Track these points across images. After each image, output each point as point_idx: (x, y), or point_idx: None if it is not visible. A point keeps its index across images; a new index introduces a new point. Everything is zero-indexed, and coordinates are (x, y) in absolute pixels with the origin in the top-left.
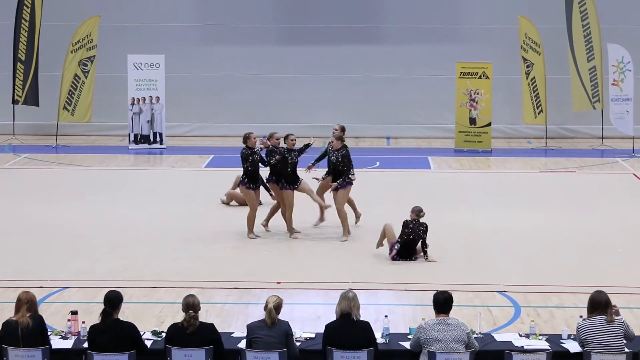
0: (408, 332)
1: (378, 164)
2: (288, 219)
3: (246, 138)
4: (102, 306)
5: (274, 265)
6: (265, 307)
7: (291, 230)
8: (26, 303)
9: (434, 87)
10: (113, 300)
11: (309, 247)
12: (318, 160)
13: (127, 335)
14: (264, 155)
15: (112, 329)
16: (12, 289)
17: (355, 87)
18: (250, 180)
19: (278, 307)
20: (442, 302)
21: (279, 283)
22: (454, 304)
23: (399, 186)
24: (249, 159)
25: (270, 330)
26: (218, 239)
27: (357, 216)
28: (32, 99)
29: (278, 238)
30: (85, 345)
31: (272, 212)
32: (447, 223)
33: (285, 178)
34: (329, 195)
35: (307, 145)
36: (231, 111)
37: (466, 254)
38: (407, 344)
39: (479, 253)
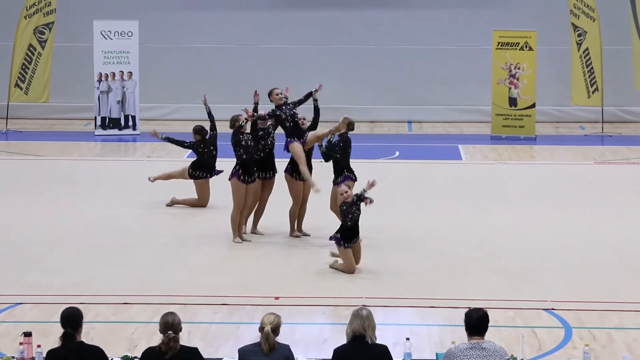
0: (434, 358)
1: (397, 153)
2: (293, 213)
3: (234, 122)
4: (60, 326)
5: (270, 276)
6: (261, 329)
7: (295, 229)
8: None
9: (466, 60)
10: (74, 319)
11: (312, 254)
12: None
13: None
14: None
15: (75, 354)
16: None
17: (369, 61)
18: (244, 171)
19: (276, 329)
20: (476, 322)
21: (277, 298)
22: (490, 324)
23: (422, 181)
24: (241, 143)
25: (268, 356)
26: (203, 244)
27: None
28: None
29: (274, 243)
30: None
31: (258, 215)
32: (481, 226)
33: (289, 133)
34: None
35: (309, 95)
36: (219, 90)
37: (504, 264)
38: None
39: (520, 262)
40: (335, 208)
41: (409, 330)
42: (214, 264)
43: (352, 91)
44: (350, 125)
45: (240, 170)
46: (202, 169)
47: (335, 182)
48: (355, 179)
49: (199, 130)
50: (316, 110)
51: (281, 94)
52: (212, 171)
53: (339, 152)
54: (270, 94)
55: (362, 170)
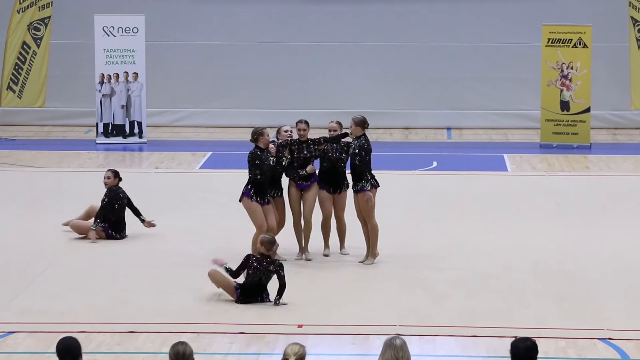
0: None
1: (435, 164)
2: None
3: (257, 135)
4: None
5: (292, 301)
6: None
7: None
8: None
9: (512, 59)
10: (71, 350)
11: (339, 277)
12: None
13: None
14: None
15: None
16: None
17: (404, 60)
18: (257, 192)
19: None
20: (523, 353)
21: (300, 326)
22: (539, 355)
23: (463, 196)
24: (258, 163)
25: None
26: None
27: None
28: None
29: (297, 265)
30: None
31: (342, 234)
32: (529, 245)
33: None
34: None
35: (344, 135)
36: (235, 93)
37: (556, 287)
38: None
39: (574, 286)
40: (360, 216)
41: None
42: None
43: (384, 94)
44: (363, 125)
45: (252, 190)
46: None
47: (355, 190)
48: (377, 185)
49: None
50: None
51: (290, 131)
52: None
53: (357, 159)
54: (278, 131)
55: (395, 183)
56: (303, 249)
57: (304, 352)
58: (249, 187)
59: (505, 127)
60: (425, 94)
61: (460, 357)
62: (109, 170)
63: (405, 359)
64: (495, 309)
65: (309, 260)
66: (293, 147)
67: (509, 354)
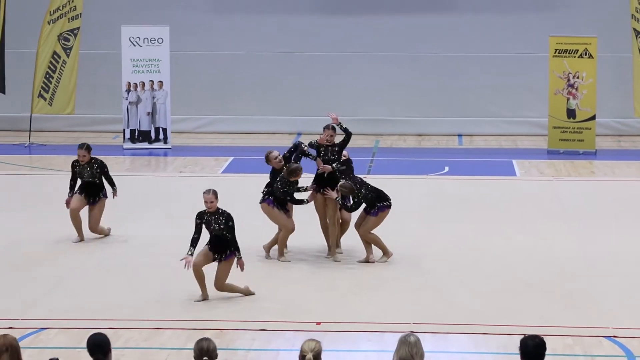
0: None
1: (447, 169)
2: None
3: (267, 159)
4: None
5: (311, 300)
6: (302, 357)
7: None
8: (6, 351)
9: (521, 68)
10: (102, 346)
11: (356, 277)
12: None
13: None
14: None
15: None
16: None
17: (417, 69)
18: (278, 202)
19: (318, 356)
20: (532, 350)
21: (318, 324)
22: (547, 352)
23: (473, 199)
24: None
25: None
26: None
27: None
28: None
29: (316, 264)
30: None
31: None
32: (537, 247)
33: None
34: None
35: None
36: (255, 100)
37: (563, 287)
38: None
39: (580, 286)
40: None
41: (460, 359)
42: (251, 287)
43: (398, 102)
44: (294, 173)
45: (272, 198)
46: None
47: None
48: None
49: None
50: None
51: (278, 157)
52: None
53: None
54: (268, 159)
55: (409, 187)
56: (332, 249)
57: (320, 348)
58: (267, 195)
59: (514, 134)
60: (438, 102)
61: (471, 353)
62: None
63: (419, 355)
64: (505, 307)
65: (337, 261)
66: (321, 149)
67: (518, 351)
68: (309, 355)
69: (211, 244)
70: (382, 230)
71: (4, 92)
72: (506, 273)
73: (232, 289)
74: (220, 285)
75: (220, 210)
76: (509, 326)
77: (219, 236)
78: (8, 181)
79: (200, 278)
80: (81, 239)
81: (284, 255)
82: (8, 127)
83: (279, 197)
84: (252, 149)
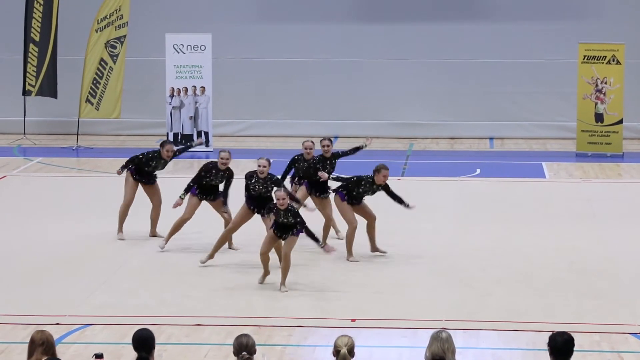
0: None
1: (479, 171)
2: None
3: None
4: (133, 349)
5: (347, 297)
6: (336, 353)
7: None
8: (41, 345)
9: (551, 74)
10: (148, 342)
11: (390, 274)
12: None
13: None
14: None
15: None
16: (22, 326)
17: (450, 75)
18: (349, 195)
19: (351, 350)
20: (561, 347)
21: (353, 320)
22: (575, 348)
23: (504, 200)
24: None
25: None
26: (278, 264)
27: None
28: (49, 89)
29: (351, 262)
30: None
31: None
32: (564, 246)
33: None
34: None
35: (357, 149)
36: (293, 105)
37: (592, 286)
38: None
39: (608, 284)
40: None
41: (490, 355)
42: (288, 284)
43: (431, 106)
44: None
45: (345, 192)
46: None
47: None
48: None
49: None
50: (357, 149)
51: (261, 165)
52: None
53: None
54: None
55: (441, 189)
56: (375, 247)
57: (353, 343)
58: (344, 191)
59: (543, 137)
60: (470, 107)
61: (502, 350)
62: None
63: (450, 351)
64: (534, 305)
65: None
66: (318, 166)
67: (547, 347)
68: (343, 350)
69: (277, 228)
70: (415, 230)
71: (55, 97)
72: (535, 271)
73: (287, 264)
74: (287, 252)
75: (289, 207)
76: (539, 323)
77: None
78: (56, 183)
79: (266, 262)
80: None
81: (352, 255)
82: (58, 131)
83: (349, 190)
84: (290, 151)
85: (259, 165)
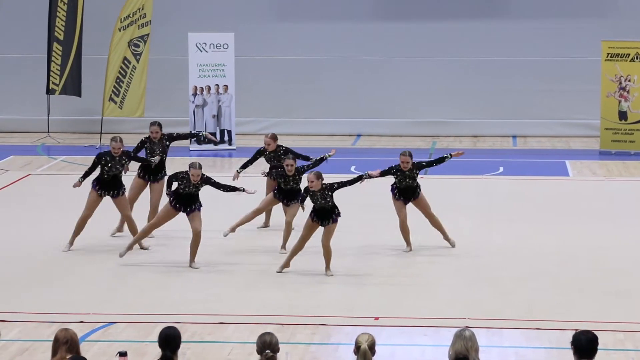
0: None
1: (501, 169)
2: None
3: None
4: (157, 346)
5: (370, 296)
6: (357, 349)
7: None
8: (65, 343)
9: (574, 72)
10: (174, 340)
11: (412, 273)
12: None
13: None
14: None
15: None
16: (47, 324)
17: (473, 73)
18: (399, 192)
19: (372, 346)
20: (585, 345)
21: (376, 319)
22: (599, 347)
23: (527, 198)
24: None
25: None
26: (300, 262)
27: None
28: (73, 87)
29: (376, 260)
30: None
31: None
32: (590, 245)
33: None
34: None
35: (321, 160)
36: (315, 103)
37: (615, 284)
38: None
39: (632, 283)
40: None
41: (514, 353)
42: (311, 282)
43: (455, 104)
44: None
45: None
46: None
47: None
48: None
49: None
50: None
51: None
52: None
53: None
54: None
55: (464, 187)
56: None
57: (374, 340)
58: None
59: (567, 135)
60: (493, 105)
61: (525, 348)
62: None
63: (474, 349)
64: (557, 303)
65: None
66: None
67: (570, 346)
68: (364, 345)
69: (316, 214)
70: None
71: (79, 95)
72: (559, 269)
73: (328, 253)
74: (326, 243)
75: (323, 185)
76: (562, 321)
77: (323, 207)
78: None
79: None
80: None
81: (408, 244)
82: (81, 130)
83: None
84: (313, 150)
85: (287, 165)
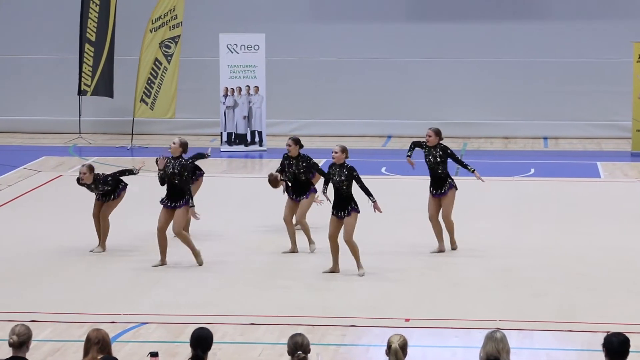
0: None
1: (533, 170)
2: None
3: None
4: (187, 347)
5: (400, 297)
6: (389, 349)
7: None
8: (97, 343)
9: (605, 73)
10: (207, 341)
11: (443, 275)
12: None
13: None
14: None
15: None
16: (78, 324)
17: (504, 74)
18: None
19: (404, 346)
20: (617, 348)
21: (407, 320)
22: (631, 349)
23: (559, 200)
24: None
25: None
26: (329, 264)
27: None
28: (105, 89)
29: (406, 261)
30: None
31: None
32: (619, 246)
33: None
34: None
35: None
36: (346, 104)
37: None
38: None
39: None
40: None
41: (545, 355)
42: (342, 284)
43: (486, 106)
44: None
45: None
46: None
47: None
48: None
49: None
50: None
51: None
52: None
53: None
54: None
55: (496, 188)
56: (441, 244)
57: (406, 341)
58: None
59: (598, 136)
60: (524, 106)
61: (556, 350)
62: (83, 166)
63: (505, 351)
64: (589, 305)
65: (442, 251)
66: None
67: (602, 348)
68: (395, 345)
69: (333, 206)
70: (470, 229)
71: (111, 96)
72: (591, 271)
73: (354, 249)
74: (348, 239)
75: (345, 164)
76: (594, 324)
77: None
78: None
79: (335, 250)
80: None
81: (440, 243)
82: (112, 131)
83: None
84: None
85: (288, 145)
